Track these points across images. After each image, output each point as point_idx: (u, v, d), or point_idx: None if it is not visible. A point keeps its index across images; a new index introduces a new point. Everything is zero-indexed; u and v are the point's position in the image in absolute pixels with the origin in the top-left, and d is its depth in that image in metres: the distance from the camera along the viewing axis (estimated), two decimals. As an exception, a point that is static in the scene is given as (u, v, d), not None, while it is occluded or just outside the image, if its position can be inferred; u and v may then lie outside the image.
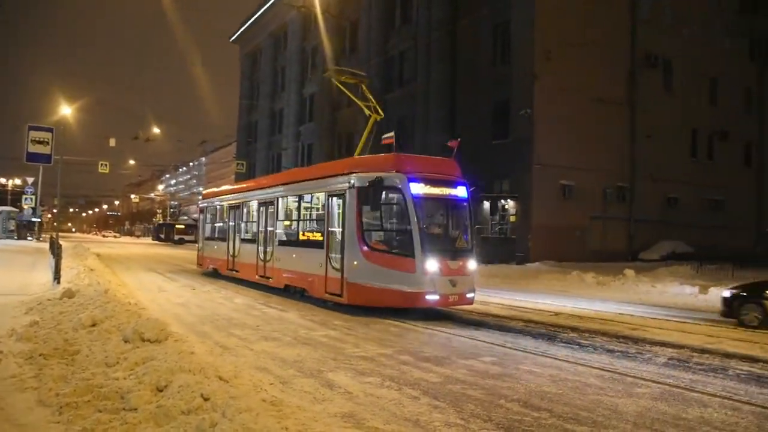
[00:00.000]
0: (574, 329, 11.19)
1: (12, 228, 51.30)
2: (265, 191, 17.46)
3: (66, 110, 29.51)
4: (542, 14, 27.08)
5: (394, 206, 12.25)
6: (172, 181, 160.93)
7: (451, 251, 12.23)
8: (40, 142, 15.17)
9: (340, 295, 12.49)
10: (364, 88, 16.31)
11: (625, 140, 30.39)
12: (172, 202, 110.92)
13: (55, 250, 16.22)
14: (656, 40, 31.67)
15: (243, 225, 19.15)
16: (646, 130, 30.83)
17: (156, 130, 50.72)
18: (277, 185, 16.79)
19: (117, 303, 10.06)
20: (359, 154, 15.53)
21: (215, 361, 6.95)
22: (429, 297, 11.50)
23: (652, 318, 12.97)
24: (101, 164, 44.73)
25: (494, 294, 16.92)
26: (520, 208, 27.90)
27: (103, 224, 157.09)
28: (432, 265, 11.47)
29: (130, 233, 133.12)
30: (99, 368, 6.19)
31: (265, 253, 16.68)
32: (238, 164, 48.95)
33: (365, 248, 12.04)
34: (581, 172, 27.77)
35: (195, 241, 52.26)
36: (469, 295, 12.17)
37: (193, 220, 75.97)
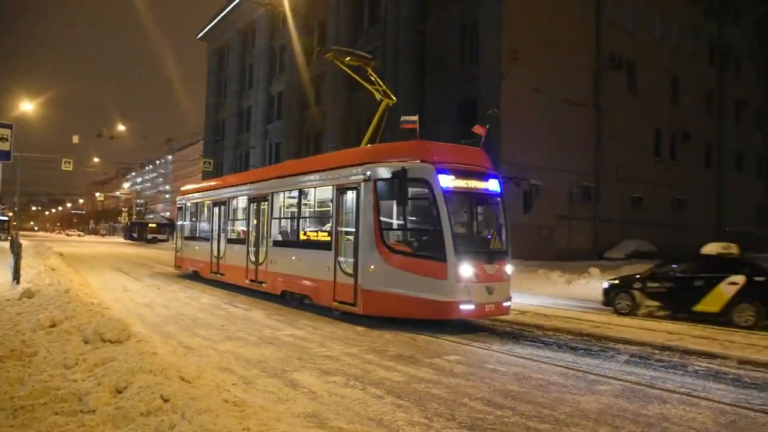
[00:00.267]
0: (539, 327, 11.33)
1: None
2: (257, 186, 15.69)
3: (27, 106, 28.84)
4: (510, 15, 27.29)
5: (421, 202, 10.60)
6: (138, 180, 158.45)
7: (486, 253, 10.71)
8: (-2, 139, 14.75)
9: (352, 304, 11.02)
10: (369, 71, 14.42)
11: (591, 140, 30.84)
12: (139, 201, 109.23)
13: (15, 249, 15.83)
14: (621, 43, 32.22)
15: (230, 223, 17.50)
16: (611, 131, 31.32)
17: (121, 128, 49.99)
18: (272, 179, 14.97)
19: (78, 303, 9.86)
20: (368, 143, 13.96)
21: (178, 361, 6.86)
22: (463, 307, 10.00)
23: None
24: (64, 162, 43.77)
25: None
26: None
27: (67, 223, 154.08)
28: (466, 269, 10.02)
29: (95, 232, 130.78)
30: (57, 370, 6.06)
31: (256, 255, 15.12)
32: (205, 162, 48.36)
33: (385, 250, 10.58)
34: (548, 171, 28.06)
35: (168, 241, 51.52)
36: (505, 304, 10.77)
37: (167, 219, 74.82)
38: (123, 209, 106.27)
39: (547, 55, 27.74)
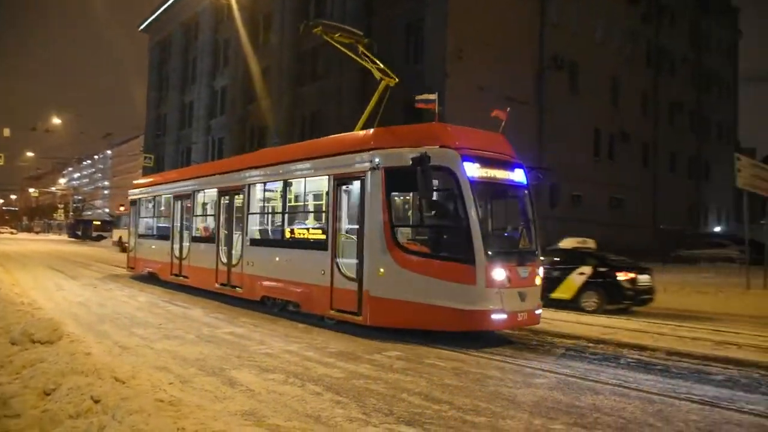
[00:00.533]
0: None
1: None
2: (230, 177, 13.89)
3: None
4: (455, 14, 27.57)
5: (442, 194, 9.30)
6: (76, 175, 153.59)
7: (517, 254, 9.53)
8: None
9: (355, 313, 9.59)
10: (362, 49, 12.82)
11: (534, 139, 31.44)
12: (76, 197, 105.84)
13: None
14: (564, 44, 32.97)
15: (195, 220, 15.61)
16: (552, 130, 32.02)
17: (56, 121, 48.23)
18: (249, 169, 13.19)
19: (7, 303, 9.53)
20: (362, 128, 12.08)
21: (112, 361, 6.69)
22: (495, 317, 8.70)
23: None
24: (-5, 156, 42.01)
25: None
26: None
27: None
28: (499, 273, 8.70)
29: (29, 229, 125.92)
30: (-20, 373, 5.82)
31: (229, 255, 13.46)
32: (145, 158, 47.19)
33: (398, 251, 9.12)
34: (491, 169, 28.44)
35: (108, 238, 49.84)
36: (537, 312, 9.54)
37: (110, 215, 72.50)
38: (59, 206, 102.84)
39: (492, 54, 28.16)
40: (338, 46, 12.85)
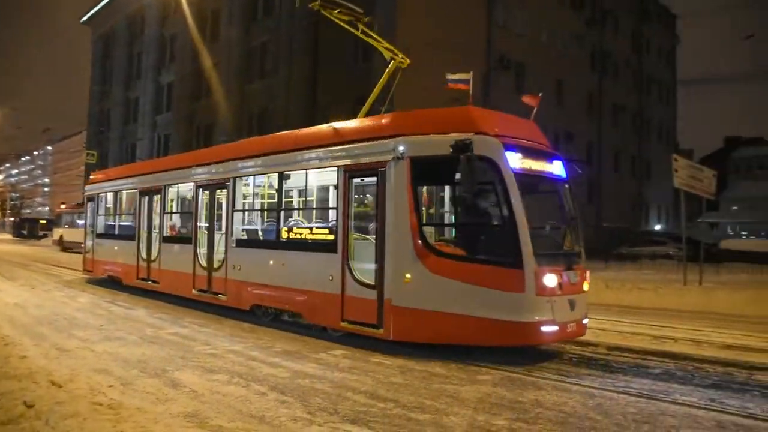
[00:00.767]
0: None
1: None
2: (211, 169, 12.34)
3: None
4: (403, 13, 27.76)
5: (483, 188, 7.94)
6: (13, 171, 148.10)
7: (565, 256, 8.43)
8: None
9: (375, 326, 8.33)
10: (362, 26, 12.07)
11: (480, 139, 31.89)
12: (13, 194, 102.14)
13: None
14: (510, 45, 33.55)
15: (167, 218, 14.07)
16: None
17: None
18: (233, 160, 11.67)
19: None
20: (367, 114, 11.10)
21: (49, 365, 6.52)
22: (545, 329, 7.60)
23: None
24: (-75, 151, 40.18)
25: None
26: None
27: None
28: (550, 279, 7.60)
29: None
30: None
31: (209, 258, 12.01)
32: (88, 154, 45.94)
33: (428, 253, 7.95)
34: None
35: (48, 237, 48.10)
36: (585, 321, 8.44)
37: (54, 215, 69.97)
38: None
39: (440, 54, 28.35)
40: (338, 21, 12.15)
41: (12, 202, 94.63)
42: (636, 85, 47.02)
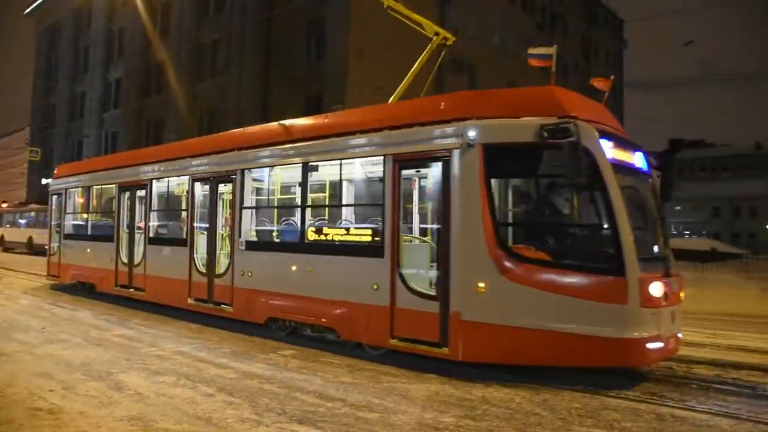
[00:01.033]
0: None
1: None
2: (213, 160, 10.77)
3: None
4: (357, 12, 27.74)
5: (574, 181, 6.59)
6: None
7: (662, 261, 7.34)
8: None
9: (437, 344, 7.16)
10: (392, 3, 11.07)
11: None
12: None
13: None
14: (463, 47, 33.93)
15: (155, 216, 12.46)
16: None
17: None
18: (244, 149, 10.11)
19: None
20: (400, 98, 10.16)
21: (-14, 370, 6.31)
22: (651, 346, 6.53)
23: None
24: None
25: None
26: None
27: None
28: (656, 288, 6.53)
29: None
30: None
31: (210, 262, 10.53)
32: (31, 152, 44.44)
33: (506, 258, 6.80)
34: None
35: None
36: (680, 335, 7.30)
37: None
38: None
39: (393, 54, 28.50)
40: None
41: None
42: (584, 87, 47.97)
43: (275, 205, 9.99)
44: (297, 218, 9.21)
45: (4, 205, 40.58)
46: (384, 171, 7.82)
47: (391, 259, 7.62)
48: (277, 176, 9.88)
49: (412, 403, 5.98)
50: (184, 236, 11.28)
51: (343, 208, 9.09)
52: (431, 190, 7.97)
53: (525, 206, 7.84)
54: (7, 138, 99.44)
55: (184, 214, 11.65)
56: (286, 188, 9.98)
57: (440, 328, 7.10)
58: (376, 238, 7.92)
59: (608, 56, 53.99)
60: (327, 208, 9.32)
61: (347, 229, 8.52)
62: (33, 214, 33.80)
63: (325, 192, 9.33)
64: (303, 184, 9.01)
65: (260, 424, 5.23)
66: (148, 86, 39.37)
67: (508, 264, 6.76)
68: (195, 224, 11.09)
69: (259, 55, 31.80)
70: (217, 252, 10.50)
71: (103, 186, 14.42)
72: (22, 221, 35.33)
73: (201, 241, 10.97)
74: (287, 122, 9.77)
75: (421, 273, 7.66)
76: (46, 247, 17.07)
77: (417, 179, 8.33)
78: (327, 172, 9.08)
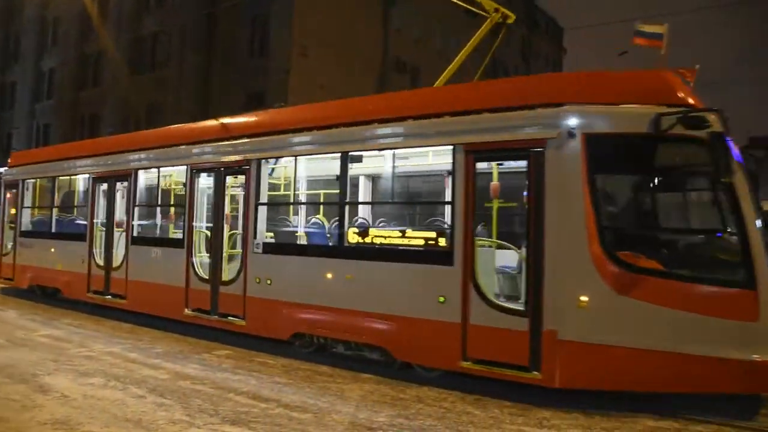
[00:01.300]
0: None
1: None
2: (218, 148, 9.37)
3: None
4: (301, 11, 27.68)
5: (716, 178, 5.74)
6: None
7: None
8: None
9: (525, 368, 6.18)
10: None
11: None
12: None
13: None
14: (406, 49, 34.32)
15: (141, 212, 10.87)
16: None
17: None
18: (260, 135, 8.80)
19: None
20: (447, 82, 9.19)
21: None
22: None
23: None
24: None
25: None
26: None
27: None
28: None
29: None
30: None
31: (214, 268, 9.13)
32: (-45, 142, 42.40)
33: (613, 267, 5.89)
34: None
35: None
36: None
37: None
38: None
39: (336, 54, 28.62)
40: None
41: None
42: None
43: (303, 201, 9.00)
44: (333, 217, 8.05)
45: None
46: (454, 163, 6.75)
47: (463, 267, 6.57)
48: (304, 168, 8.72)
49: (346, 403, 6.02)
50: (180, 236, 9.86)
51: (396, 206, 8.02)
52: (517, 185, 6.81)
53: (635, 207, 6.68)
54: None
55: (179, 210, 10.26)
56: (315, 182, 9.09)
57: (530, 349, 6.15)
58: (441, 242, 6.87)
59: (548, 62, 55.42)
60: (370, 206, 8.32)
61: (403, 231, 7.33)
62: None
63: (373, 187, 8.37)
64: (342, 177, 7.70)
65: (192, 425, 5.17)
66: (84, 78, 38.10)
67: (616, 275, 5.86)
68: (194, 222, 9.72)
69: (200, 50, 31.25)
70: (224, 255, 9.20)
71: (72, 177, 12.68)
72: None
73: (202, 242, 9.70)
74: (319, 104, 8.68)
75: (502, 283, 6.85)
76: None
77: (498, 172, 7.29)
78: (373, 164, 8.06)
